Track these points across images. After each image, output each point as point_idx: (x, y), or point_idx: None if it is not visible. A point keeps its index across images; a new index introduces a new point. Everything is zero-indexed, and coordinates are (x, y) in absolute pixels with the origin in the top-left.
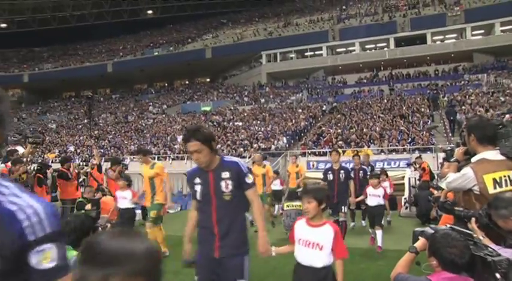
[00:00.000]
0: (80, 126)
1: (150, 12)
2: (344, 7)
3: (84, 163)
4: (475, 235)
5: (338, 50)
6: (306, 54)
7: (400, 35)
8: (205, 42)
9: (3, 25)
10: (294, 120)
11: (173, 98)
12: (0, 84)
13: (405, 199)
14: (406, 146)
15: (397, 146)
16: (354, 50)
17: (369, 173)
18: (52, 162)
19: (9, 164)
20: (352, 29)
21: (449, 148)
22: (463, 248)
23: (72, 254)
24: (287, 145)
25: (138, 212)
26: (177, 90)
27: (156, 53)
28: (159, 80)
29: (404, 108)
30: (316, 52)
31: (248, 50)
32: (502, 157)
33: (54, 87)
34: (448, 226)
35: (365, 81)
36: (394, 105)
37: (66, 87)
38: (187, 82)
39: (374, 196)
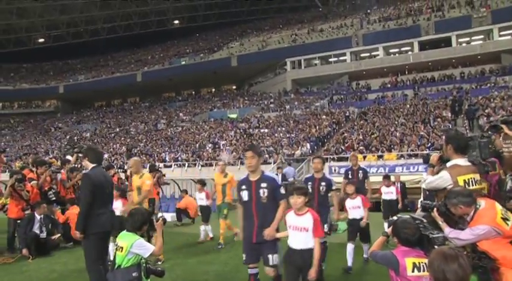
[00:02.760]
0: (113, 134)
1: (176, 22)
2: (368, 11)
3: (121, 170)
4: (425, 221)
5: (362, 55)
6: (330, 60)
7: (424, 38)
8: (230, 50)
9: (41, 40)
10: (317, 127)
11: (200, 105)
12: (39, 95)
13: (421, 201)
14: (424, 152)
15: (415, 151)
16: (378, 55)
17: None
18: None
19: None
20: (376, 34)
21: (425, 153)
22: (414, 230)
23: (135, 238)
24: (310, 151)
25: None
26: (204, 98)
27: (183, 62)
28: (186, 88)
29: (426, 113)
30: (340, 58)
31: (273, 57)
32: (469, 164)
33: (87, 97)
34: (409, 215)
35: (389, 86)
36: (416, 110)
37: (98, 97)
38: (213, 90)
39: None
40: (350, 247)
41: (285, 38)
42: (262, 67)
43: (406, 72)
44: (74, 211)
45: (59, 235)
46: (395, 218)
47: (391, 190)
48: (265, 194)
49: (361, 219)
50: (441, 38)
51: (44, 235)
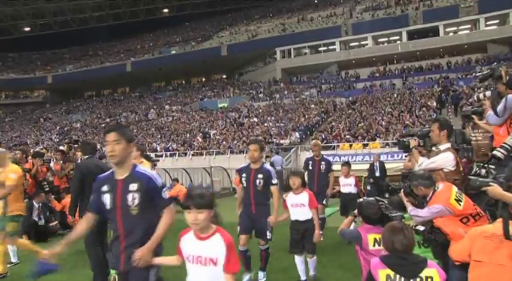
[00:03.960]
0: (103, 125)
1: (166, 10)
2: (358, 0)
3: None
4: (386, 202)
5: (351, 44)
6: (319, 49)
7: (412, 28)
8: (220, 39)
9: (27, 29)
10: (306, 116)
11: (190, 95)
12: (26, 86)
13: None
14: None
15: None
16: (367, 44)
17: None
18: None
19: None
20: (365, 23)
21: (399, 140)
22: (376, 209)
23: None
24: (299, 140)
25: None
26: (194, 87)
27: (173, 52)
28: (176, 78)
29: (412, 102)
30: (330, 47)
31: (263, 46)
32: None
33: (76, 88)
34: (374, 197)
35: (377, 75)
36: (403, 99)
37: (88, 87)
38: (203, 79)
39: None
40: (298, 259)
41: (275, 28)
42: (252, 56)
43: (395, 62)
44: (69, 200)
45: (57, 222)
46: (360, 200)
47: (349, 181)
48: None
49: (305, 222)
50: (429, 27)
51: (42, 222)
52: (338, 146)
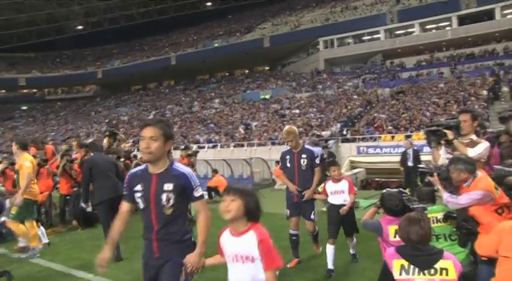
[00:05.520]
0: (149, 117)
1: (209, 4)
2: None
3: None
4: (408, 194)
5: (396, 32)
6: (363, 38)
7: (464, 12)
8: (263, 31)
9: (80, 27)
10: (348, 107)
11: (234, 87)
12: (79, 81)
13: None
14: None
15: None
16: (414, 32)
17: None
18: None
19: None
20: (412, 10)
21: (438, 131)
22: (398, 201)
23: None
24: (340, 132)
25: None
26: (238, 79)
27: (216, 45)
28: (220, 71)
29: (460, 91)
30: (374, 36)
31: (305, 37)
32: None
33: (124, 82)
34: (398, 189)
35: (424, 63)
36: (451, 88)
37: (135, 81)
38: (247, 71)
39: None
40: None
41: (318, 17)
42: (295, 47)
43: (444, 49)
44: None
45: None
46: (384, 191)
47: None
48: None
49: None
50: (483, 10)
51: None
52: (379, 137)
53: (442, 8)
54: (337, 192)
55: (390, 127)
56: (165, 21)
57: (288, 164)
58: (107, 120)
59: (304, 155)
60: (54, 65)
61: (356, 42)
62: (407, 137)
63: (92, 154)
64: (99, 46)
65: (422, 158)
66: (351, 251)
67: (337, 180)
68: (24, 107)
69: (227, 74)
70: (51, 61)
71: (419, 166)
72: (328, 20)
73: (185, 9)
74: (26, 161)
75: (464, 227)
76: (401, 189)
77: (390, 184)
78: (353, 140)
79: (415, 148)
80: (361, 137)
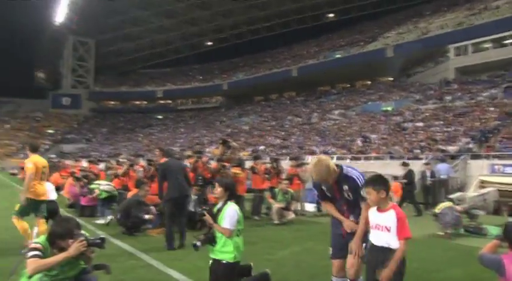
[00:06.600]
0: (268, 127)
1: (331, 15)
2: None
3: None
4: None
5: None
6: (504, 42)
7: None
8: (386, 40)
9: (210, 43)
10: (483, 120)
11: (354, 99)
12: (207, 92)
13: None
14: None
15: None
16: None
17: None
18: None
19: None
20: None
21: None
22: None
23: None
24: (470, 147)
25: None
26: (359, 90)
27: (338, 56)
28: (341, 82)
29: None
30: None
31: (433, 44)
32: None
33: (248, 93)
34: None
35: None
36: None
37: (257, 92)
38: (369, 82)
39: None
40: None
41: (449, 22)
42: (421, 56)
43: None
44: None
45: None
46: (510, 220)
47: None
48: (350, 195)
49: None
50: None
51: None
52: None
53: None
54: (380, 228)
55: None
56: (286, 34)
57: (329, 194)
58: (229, 130)
59: (345, 186)
60: (186, 77)
61: (496, 47)
62: None
63: (166, 159)
64: (225, 60)
65: None
66: None
67: (381, 209)
68: (160, 116)
69: (348, 85)
70: (184, 75)
71: None
72: (461, 24)
73: (308, 22)
74: (28, 163)
75: None
76: None
77: None
78: (486, 157)
79: None
80: (496, 153)
